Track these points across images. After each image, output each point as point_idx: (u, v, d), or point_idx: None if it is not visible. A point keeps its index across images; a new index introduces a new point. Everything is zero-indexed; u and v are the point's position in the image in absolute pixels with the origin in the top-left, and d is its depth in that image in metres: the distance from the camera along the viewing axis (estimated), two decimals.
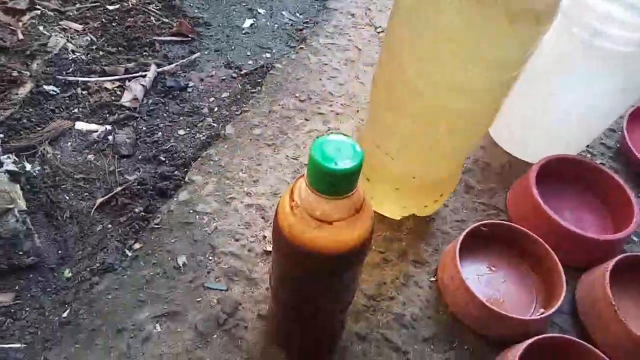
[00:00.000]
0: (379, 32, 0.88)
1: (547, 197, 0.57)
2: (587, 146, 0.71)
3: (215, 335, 0.48)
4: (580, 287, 0.54)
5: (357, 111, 0.73)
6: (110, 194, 0.59)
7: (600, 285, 0.50)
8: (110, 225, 0.57)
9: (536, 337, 0.45)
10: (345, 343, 0.49)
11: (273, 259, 0.40)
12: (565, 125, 0.61)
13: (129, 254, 0.54)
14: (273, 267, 0.41)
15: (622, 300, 0.52)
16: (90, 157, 0.64)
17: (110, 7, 0.85)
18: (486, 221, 0.55)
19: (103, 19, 0.83)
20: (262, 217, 0.59)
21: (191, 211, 0.58)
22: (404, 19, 0.42)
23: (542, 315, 0.49)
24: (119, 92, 0.72)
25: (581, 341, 0.46)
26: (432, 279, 0.55)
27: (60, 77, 0.71)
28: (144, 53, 0.80)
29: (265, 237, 0.57)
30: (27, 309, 0.50)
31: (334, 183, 0.30)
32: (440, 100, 0.43)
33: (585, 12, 0.50)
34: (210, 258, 0.54)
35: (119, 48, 0.80)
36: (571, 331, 0.52)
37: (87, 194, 0.60)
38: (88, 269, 0.53)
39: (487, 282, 0.54)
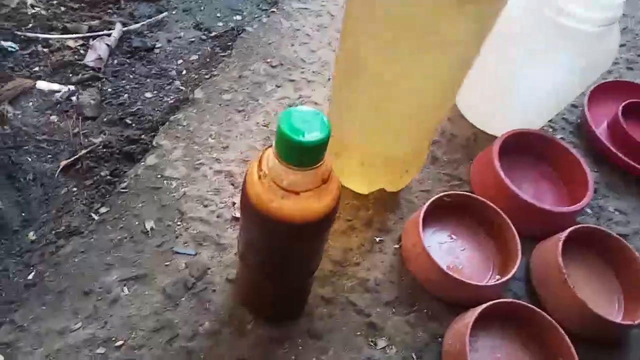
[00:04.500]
0: None
1: (508, 169, 0.59)
2: (550, 121, 0.73)
3: (183, 298, 0.49)
4: (534, 256, 0.58)
5: (329, 79, 0.73)
6: (75, 157, 0.58)
7: (552, 254, 0.53)
8: (75, 189, 0.56)
9: (490, 302, 0.48)
10: (310, 307, 0.51)
11: (241, 225, 0.40)
12: (529, 101, 0.63)
13: (96, 217, 0.53)
14: (241, 233, 0.41)
15: (572, 269, 0.55)
16: (53, 118, 0.62)
17: None
18: (449, 192, 0.57)
19: None
20: (232, 184, 0.59)
21: (159, 176, 0.58)
22: (357, 3, 0.42)
23: (497, 282, 0.51)
24: (82, 52, 0.69)
25: (532, 306, 0.49)
26: (396, 246, 0.57)
27: (18, 32, 0.68)
28: (109, 11, 0.77)
29: (235, 203, 0.57)
30: None
31: (301, 154, 0.31)
32: (398, 81, 0.44)
33: None
34: (179, 223, 0.54)
35: (82, 4, 0.76)
36: (525, 297, 0.55)
37: (50, 156, 0.58)
38: (53, 232, 0.52)
39: (448, 250, 0.56)
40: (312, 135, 0.30)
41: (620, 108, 0.72)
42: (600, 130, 0.73)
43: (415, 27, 0.39)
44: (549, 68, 0.56)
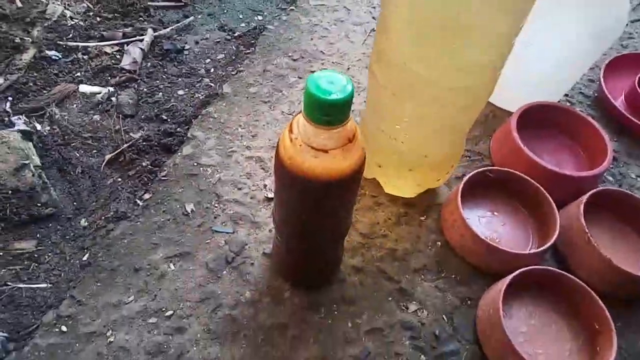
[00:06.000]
0: None
1: (527, 141, 0.61)
2: (567, 95, 0.75)
3: (224, 272, 0.53)
4: (559, 220, 0.59)
5: (348, 68, 0.77)
6: (118, 150, 0.63)
7: (575, 216, 0.55)
8: (120, 179, 0.61)
9: (521, 270, 0.49)
10: (343, 275, 0.53)
11: (275, 194, 0.44)
12: (543, 74, 0.65)
13: (140, 203, 0.58)
14: (276, 203, 0.45)
15: (596, 231, 0.57)
16: (96, 117, 0.67)
17: None
18: (491, 167, 0.58)
19: None
20: (262, 168, 0.63)
21: (195, 164, 0.62)
22: (397, 4, 0.43)
23: (531, 251, 0.53)
24: (118, 56, 0.75)
25: (562, 271, 0.50)
26: (422, 218, 0.59)
27: (61, 42, 0.74)
28: (140, 18, 0.82)
29: (266, 185, 0.61)
30: (49, 254, 0.54)
31: (328, 113, 0.34)
32: (441, 82, 0.44)
33: None
34: (216, 205, 0.58)
35: (115, 14, 0.82)
36: (554, 263, 0.57)
37: (95, 151, 0.63)
38: (103, 218, 0.57)
39: (487, 224, 0.58)
40: (337, 94, 0.33)
41: (637, 78, 0.73)
42: (618, 102, 0.74)
43: (457, 26, 0.40)
44: (560, 37, 0.58)
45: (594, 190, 0.56)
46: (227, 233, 0.56)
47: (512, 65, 0.66)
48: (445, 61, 0.43)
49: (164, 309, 0.50)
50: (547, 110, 0.66)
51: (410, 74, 0.45)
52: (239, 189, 0.60)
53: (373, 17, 0.86)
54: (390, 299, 0.52)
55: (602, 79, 0.74)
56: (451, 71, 0.44)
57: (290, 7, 0.87)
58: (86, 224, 0.57)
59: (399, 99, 0.48)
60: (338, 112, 0.34)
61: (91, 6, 0.82)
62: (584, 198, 0.55)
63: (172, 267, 0.53)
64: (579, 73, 0.65)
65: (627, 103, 0.74)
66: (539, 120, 0.66)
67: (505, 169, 0.59)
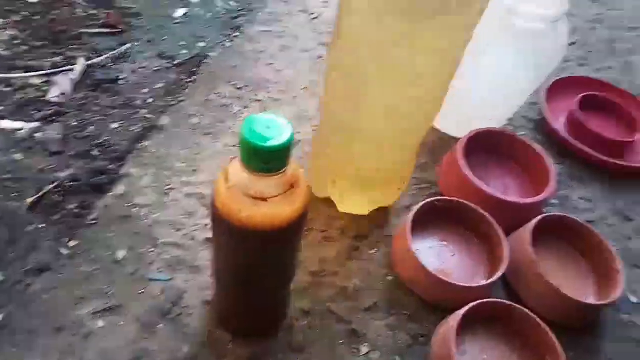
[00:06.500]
0: (313, 19, 0.89)
1: (473, 168, 0.61)
2: (510, 119, 0.75)
3: (160, 325, 0.48)
4: (508, 249, 0.58)
5: (295, 97, 0.74)
6: (41, 193, 0.57)
7: (523, 245, 0.54)
8: (43, 225, 0.55)
9: (471, 304, 0.48)
10: (290, 320, 0.50)
11: (213, 241, 0.40)
12: (487, 101, 0.65)
13: (65, 252, 0.53)
14: (214, 251, 0.41)
15: (543, 258, 0.56)
16: (18, 156, 0.61)
17: (33, 0, 0.81)
18: (440, 197, 0.57)
19: (25, 12, 0.79)
20: (203, 206, 0.59)
21: (129, 204, 0.57)
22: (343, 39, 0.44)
23: (481, 283, 0.51)
24: (45, 88, 0.69)
25: (511, 303, 0.49)
26: (372, 251, 0.57)
27: None
28: (71, 46, 0.77)
29: (207, 225, 0.57)
30: None
31: (266, 161, 0.31)
32: (390, 91, 0.45)
33: None
34: (152, 250, 0.54)
35: (44, 42, 0.77)
36: (501, 291, 0.56)
37: (15, 194, 0.57)
38: (21, 271, 0.51)
39: (437, 255, 0.56)
40: (275, 140, 0.30)
41: (577, 101, 0.75)
42: (559, 125, 0.75)
43: (400, 34, 0.40)
44: (502, 66, 0.58)
45: (540, 217, 0.56)
46: (163, 281, 0.52)
47: (456, 92, 0.66)
48: (393, 67, 0.43)
49: None
50: (493, 137, 0.66)
51: (363, 79, 0.45)
52: (178, 230, 0.56)
53: (320, 44, 0.84)
54: (341, 342, 0.50)
55: (543, 103, 0.76)
56: (399, 77, 0.44)
57: (235, 34, 0.84)
58: (2, 278, 0.51)
59: (350, 105, 0.48)
60: (277, 159, 0.32)
61: (18, 34, 0.76)
62: (531, 225, 0.55)
63: (100, 323, 0.48)
64: (521, 101, 0.66)
65: (569, 125, 0.75)
66: (485, 146, 0.66)
67: (453, 198, 0.58)
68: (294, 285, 0.51)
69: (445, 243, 0.58)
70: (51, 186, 0.58)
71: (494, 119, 0.69)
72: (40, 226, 0.55)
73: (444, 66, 0.45)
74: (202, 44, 0.83)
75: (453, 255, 0.57)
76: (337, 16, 0.45)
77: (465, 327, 0.48)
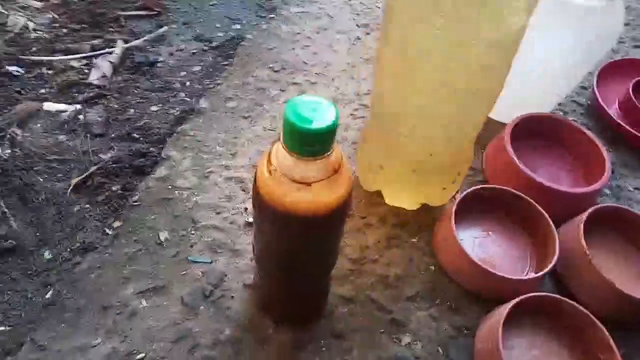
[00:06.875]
0: None
1: (521, 155, 0.58)
2: (559, 104, 0.72)
3: (202, 307, 0.49)
4: (558, 240, 0.56)
5: (333, 79, 0.73)
6: (86, 174, 0.58)
7: (575, 237, 0.52)
8: (88, 205, 0.56)
9: (519, 297, 0.46)
10: (331, 307, 0.50)
11: (255, 226, 0.40)
12: (536, 84, 0.62)
13: (110, 232, 0.53)
14: (255, 235, 0.41)
15: (596, 250, 0.54)
16: (62, 137, 0.62)
17: None
18: (485, 185, 0.55)
19: None
20: (243, 190, 0.59)
21: (170, 187, 0.58)
22: (399, 14, 0.41)
23: (528, 276, 0.50)
24: (86, 71, 0.70)
25: (562, 297, 0.47)
26: (413, 240, 0.56)
27: (23, 57, 0.69)
28: (110, 29, 0.77)
29: (247, 209, 0.57)
30: (9, 292, 0.49)
31: (311, 144, 0.30)
32: (448, 75, 0.43)
33: None
34: (193, 232, 0.54)
35: (83, 25, 0.77)
36: (549, 284, 0.54)
37: (61, 175, 0.58)
38: (68, 250, 0.52)
39: (482, 245, 0.54)
40: (319, 122, 0.29)
41: (631, 85, 0.70)
42: (612, 110, 0.71)
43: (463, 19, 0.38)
44: (554, 46, 0.55)
45: (593, 208, 0.53)
46: (205, 263, 0.52)
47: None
48: (451, 50, 0.41)
49: (135, 352, 0.45)
50: (541, 122, 0.63)
51: (420, 61, 0.43)
52: (218, 213, 0.56)
53: (357, 25, 0.82)
54: (382, 330, 0.49)
55: (595, 86, 0.72)
56: (459, 62, 0.41)
57: (270, 15, 0.83)
58: (50, 256, 0.52)
59: (404, 90, 0.46)
60: (322, 142, 0.31)
61: (57, 17, 0.77)
62: (584, 217, 0.52)
63: (145, 303, 0.48)
64: (573, 82, 0.62)
65: (622, 111, 0.71)
66: (533, 131, 0.63)
67: (500, 186, 0.55)
68: (334, 271, 0.51)
69: (490, 232, 0.56)
70: (94, 167, 0.59)
71: (544, 102, 0.65)
72: (85, 207, 0.56)
73: (507, 51, 0.42)
74: (237, 26, 0.82)
75: (499, 245, 0.55)
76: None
77: (513, 321, 0.47)
